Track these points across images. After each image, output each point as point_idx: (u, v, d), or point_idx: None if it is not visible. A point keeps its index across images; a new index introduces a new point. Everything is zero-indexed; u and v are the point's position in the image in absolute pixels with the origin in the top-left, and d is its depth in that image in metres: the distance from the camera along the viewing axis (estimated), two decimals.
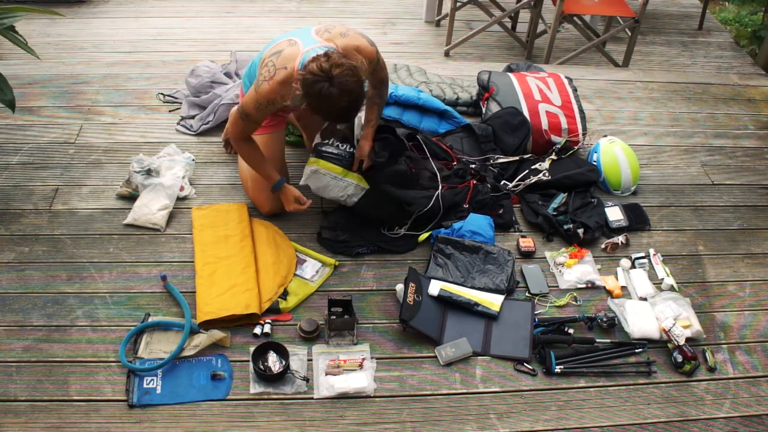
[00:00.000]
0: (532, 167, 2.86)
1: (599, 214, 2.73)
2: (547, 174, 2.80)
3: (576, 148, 2.98)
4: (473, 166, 2.82)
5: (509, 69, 3.41)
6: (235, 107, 2.52)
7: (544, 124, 2.99)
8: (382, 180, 2.52)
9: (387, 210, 2.55)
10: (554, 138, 2.99)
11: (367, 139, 2.52)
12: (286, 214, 2.61)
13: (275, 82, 2.17)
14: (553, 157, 2.90)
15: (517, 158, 2.90)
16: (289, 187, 2.52)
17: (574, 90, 3.13)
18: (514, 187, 2.80)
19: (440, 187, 2.62)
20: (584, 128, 3.03)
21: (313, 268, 2.43)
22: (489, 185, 2.77)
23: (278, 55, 2.21)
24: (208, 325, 2.17)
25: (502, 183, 2.82)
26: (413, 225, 2.60)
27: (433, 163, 2.72)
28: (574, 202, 2.74)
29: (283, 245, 2.49)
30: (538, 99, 3.04)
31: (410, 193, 2.56)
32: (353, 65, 2.08)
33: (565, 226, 2.63)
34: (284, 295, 2.31)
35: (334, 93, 2.04)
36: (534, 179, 2.80)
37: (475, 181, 2.74)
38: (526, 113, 2.99)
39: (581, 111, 3.05)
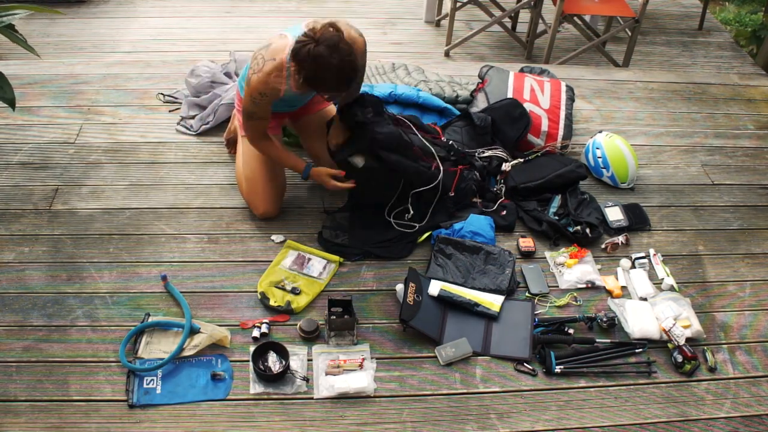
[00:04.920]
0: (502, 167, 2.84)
1: (596, 209, 2.74)
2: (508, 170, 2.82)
3: (553, 152, 2.97)
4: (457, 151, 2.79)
5: (521, 71, 3.40)
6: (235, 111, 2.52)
7: None
8: (379, 146, 2.42)
9: (388, 183, 2.51)
10: (532, 139, 2.99)
11: (337, 128, 2.50)
12: (282, 216, 2.62)
13: (263, 73, 2.21)
14: (521, 160, 2.88)
15: (502, 155, 2.86)
16: (319, 169, 2.48)
17: (570, 99, 3.12)
18: (497, 189, 2.79)
19: (440, 168, 2.56)
20: (568, 136, 3.02)
21: (320, 265, 2.43)
22: (477, 173, 2.74)
23: (267, 48, 2.24)
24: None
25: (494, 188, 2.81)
26: (414, 216, 2.58)
27: (423, 139, 2.63)
28: (571, 202, 2.74)
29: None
30: (526, 98, 3.03)
31: (413, 164, 2.50)
32: (337, 28, 2.10)
33: (571, 229, 2.63)
34: (296, 292, 2.31)
35: (322, 51, 2.05)
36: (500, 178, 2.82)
37: (462, 167, 2.71)
38: None
39: (568, 119, 3.04)
